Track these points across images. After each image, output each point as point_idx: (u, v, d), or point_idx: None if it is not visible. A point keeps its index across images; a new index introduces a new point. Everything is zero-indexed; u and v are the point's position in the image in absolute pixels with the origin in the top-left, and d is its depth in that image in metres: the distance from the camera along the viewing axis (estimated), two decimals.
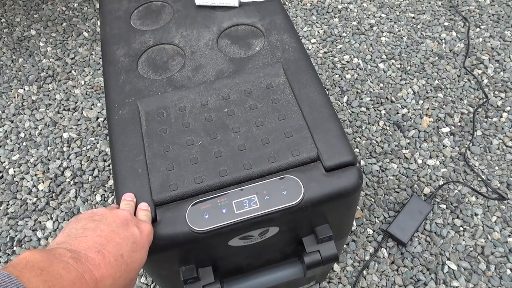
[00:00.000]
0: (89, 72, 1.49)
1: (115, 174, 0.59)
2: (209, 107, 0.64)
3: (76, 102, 1.41)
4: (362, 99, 1.36)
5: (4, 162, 1.28)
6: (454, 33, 1.50)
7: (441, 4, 1.60)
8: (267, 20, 0.75)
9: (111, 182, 1.22)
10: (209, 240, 0.55)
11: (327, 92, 1.38)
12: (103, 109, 1.39)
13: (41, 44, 1.58)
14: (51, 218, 1.17)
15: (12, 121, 1.38)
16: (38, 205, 1.19)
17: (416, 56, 1.45)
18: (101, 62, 1.51)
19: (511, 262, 1.03)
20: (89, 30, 1.62)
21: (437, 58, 1.44)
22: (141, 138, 0.62)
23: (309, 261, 0.63)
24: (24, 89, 1.45)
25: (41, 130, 1.35)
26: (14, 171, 1.26)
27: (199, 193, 0.57)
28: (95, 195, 1.20)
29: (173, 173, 0.58)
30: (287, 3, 1.65)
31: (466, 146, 1.22)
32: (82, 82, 1.46)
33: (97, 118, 1.37)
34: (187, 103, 0.65)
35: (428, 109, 1.32)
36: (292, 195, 0.55)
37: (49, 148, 1.30)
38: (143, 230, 0.49)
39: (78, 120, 1.36)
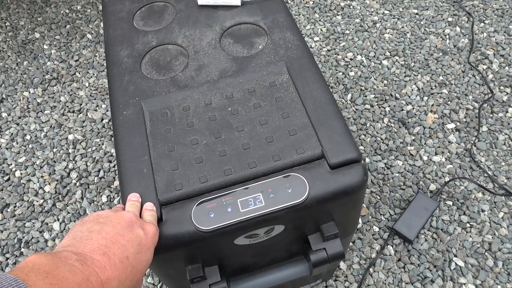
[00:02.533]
0: (93, 74, 1.49)
1: (120, 175, 0.60)
2: (213, 106, 0.64)
3: (80, 104, 1.42)
4: (366, 96, 1.35)
5: (11, 164, 1.29)
6: (458, 29, 1.49)
7: None
8: (270, 19, 0.75)
9: (116, 183, 1.23)
10: (215, 239, 0.55)
11: (330, 90, 1.38)
12: (107, 111, 1.39)
13: (45, 46, 1.59)
14: (58, 220, 1.17)
15: (18, 124, 1.39)
16: (44, 206, 1.20)
17: (420, 52, 1.44)
18: (105, 64, 1.52)
19: None
20: (93, 32, 1.62)
21: (441, 54, 1.43)
22: (146, 138, 0.62)
23: (315, 259, 0.63)
24: (29, 92, 1.46)
25: (46, 132, 1.36)
26: (21, 173, 1.27)
27: (204, 192, 0.57)
28: (101, 196, 1.21)
29: (178, 172, 0.58)
30: (289, 1, 1.65)
31: (472, 142, 1.22)
32: (87, 84, 1.47)
33: (102, 119, 1.37)
34: (191, 102, 0.65)
35: (433, 105, 1.31)
36: (297, 193, 0.55)
37: (54, 150, 1.31)
38: (148, 231, 0.49)
39: (83, 121, 1.37)
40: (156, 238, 0.51)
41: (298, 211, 0.56)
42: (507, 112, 1.27)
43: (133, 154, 0.61)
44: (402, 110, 1.31)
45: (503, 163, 1.17)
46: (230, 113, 0.64)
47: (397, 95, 1.35)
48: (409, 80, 1.38)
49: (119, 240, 0.45)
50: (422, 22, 1.53)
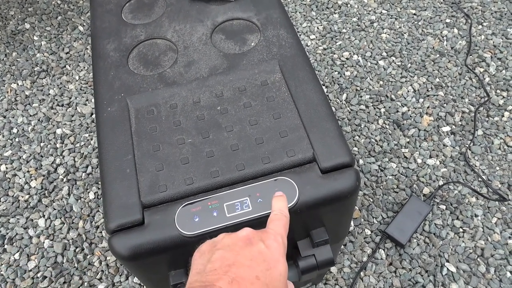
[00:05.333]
0: (84, 67, 1.46)
1: (102, 174, 0.57)
2: (202, 105, 0.62)
3: (70, 98, 1.38)
4: (361, 96, 1.33)
5: None
6: (455, 30, 1.48)
7: (443, 0, 1.57)
8: (263, 15, 0.73)
9: None
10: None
11: (325, 90, 1.35)
12: None
13: (35, 38, 1.55)
14: (43, 216, 1.14)
15: (4, 117, 1.35)
16: (30, 202, 1.17)
17: (417, 54, 1.42)
18: None
19: (511, 264, 1.01)
20: (85, 24, 1.59)
21: (438, 55, 1.41)
22: (130, 136, 0.60)
23: (304, 266, 0.61)
24: (17, 84, 1.43)
25: (34, 126, 1.32)
26: (6, 168, 1.24)
27: (189, 195, 0.55)
28: (88, 192, 1.18)
29: (162, 173, 0.56)
30: None
31: (467, 145, 1.20)
32: (77, 77, 1.43)
33: (91, 114, 1.34)
34: (179, 100, 0.63)
35: (428, 107, 1.29)
36: (286, 198, 0.53)
37: (42, 144, 1.28)
38: (269, 245, 0.45)
39: (72, 116, 1.34)
40: (281, 248, 0.46)
41: None
42: (503, 116, 1.26)
43: (116, 153, 0.58)
44: (397, 111, 1.29)
45: (497, 168, 1.16)
46: (219, 112, 0.61)
47: (392, 96, 1.33)
48: (405, 81, 1.36)
49: (242, 262, 0.42)
50: (419, 23, 1.51)
